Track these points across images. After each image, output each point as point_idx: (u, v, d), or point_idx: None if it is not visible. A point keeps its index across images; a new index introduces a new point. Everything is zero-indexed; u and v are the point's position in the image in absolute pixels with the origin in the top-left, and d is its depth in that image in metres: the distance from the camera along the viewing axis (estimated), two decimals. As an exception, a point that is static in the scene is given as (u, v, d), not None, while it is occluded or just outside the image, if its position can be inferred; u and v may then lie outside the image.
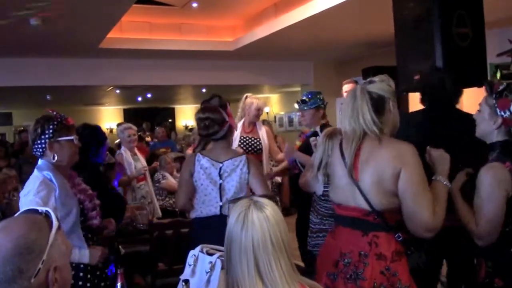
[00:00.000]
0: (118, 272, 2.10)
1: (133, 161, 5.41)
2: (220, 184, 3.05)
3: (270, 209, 1.66)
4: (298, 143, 4.45)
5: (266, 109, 14.01)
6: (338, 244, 2.22)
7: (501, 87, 2.24)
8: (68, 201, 2.50)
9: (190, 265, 2.26)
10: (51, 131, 2.52)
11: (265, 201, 1.70)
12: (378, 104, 2.18)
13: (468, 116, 3.34)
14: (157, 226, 4.13)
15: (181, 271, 2.34)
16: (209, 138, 3.16)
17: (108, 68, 8.91)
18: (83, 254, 2.55)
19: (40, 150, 2.53)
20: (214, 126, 3.06)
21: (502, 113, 2.22)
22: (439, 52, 3.51)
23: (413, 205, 2.05)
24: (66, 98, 12.55)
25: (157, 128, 10.64)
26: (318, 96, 4.33)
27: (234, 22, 8.65)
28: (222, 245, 1.74)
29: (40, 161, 2.57)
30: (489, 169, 2.20)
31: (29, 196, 2.40)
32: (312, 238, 3.45)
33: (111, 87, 11.00)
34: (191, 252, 2.31)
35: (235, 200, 1.78)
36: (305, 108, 4.28)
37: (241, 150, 4.34)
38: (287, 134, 12.28)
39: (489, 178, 2.18)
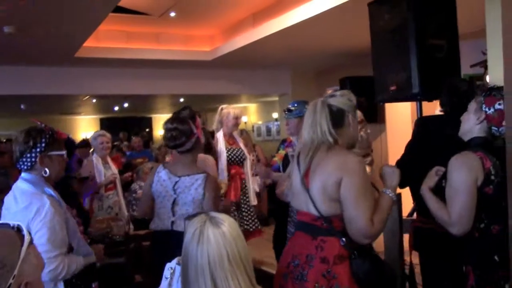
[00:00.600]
0: (93, 286, 2.06)
1: (104, 169, 5.33)
2: (174, 199, 2.97)
3: (227, 224, 1.64)
4: (282, 151, 4.43)
5: (244, 119, 14.03)
6: (291, 248, 2.35)
7: (489, 86, 2.38)
8: (71, 216, 2.47)
9: (166, 278, 2.23)
10: (43, 144, 2.42)
11: (222, 216, 1.68)
12: (336, 117, 2.30)
13: None
14: (133, 238, 4.08)
15: (158, 283, 2.30)
16: (175, 150, 3.08)
17: (84, 77, 8.81)
18: (91, 255, 2.53)
19: (29, 163, 2.42)
20: (181, 137, 2.98)
21: (487, 109, 2.29)
22: (414, 63, 3.56)
23: (352, 211, 2.15)
24: (41, 108, 12.37)
25: (133, 137, 10.54)
26: (304, 106, 4.30)
27: (212, 32, 8.65)
28: None
29: (25, 175, 2.45)
30: (459, 157, 2.26)
31: (48, 216, 2.28)
32: None
33: (87, 96, 10.88)
34: (168, 265, 2.27)
35: (191, 216, 1.74)
36: (290, 117, 4.27)
37: (211, 162, 4.28)
38: (265, 143, 12.30)
39: (458, 165, 2.24)
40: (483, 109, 2.31)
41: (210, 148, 4.53)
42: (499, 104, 2.24)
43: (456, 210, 2.20)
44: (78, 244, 2.46)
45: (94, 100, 11.88)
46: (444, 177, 2.33)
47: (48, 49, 7.08)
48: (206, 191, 2.94)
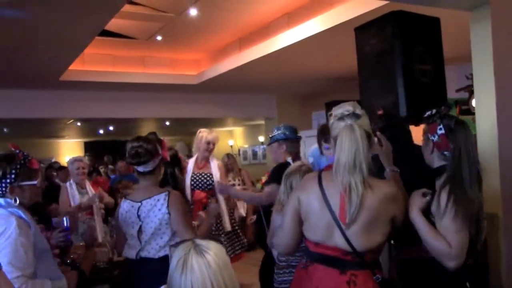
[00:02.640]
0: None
1: (79, 195, 5.22)
2: (140, 226, 2.86)
3: (212, 253, 1.59)
4: (264, 177, 4.40)
5: (230, 142, 14.01)
6: (314, 282, 2.18)
7: (428, 113, 2.33)
8: (41, 238, 2.40)
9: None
10: (13, 176, 2.35)
11: (208, 244, 1.63)
12: (368, 142, 2.15)
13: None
14: (117, 264, 3.98)
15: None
16: (138, 170, 2.96)
17: (69, 100, 8.75)
18: (62, 280, 2.44)
19: (0, 192, 2.38)
20: (146, 155, 2.88)
21: (432, 138, 2.29)
22: (401, 87, 3.58)
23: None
24: (25, 131, 12.22)
25: (119, 161, 10.43)
26: (282, 130, 4.25)
27: (198, 56, 8.68)
28: None
29: None
30: (451, 188, 2.21)
31: (12, 236, 2.22)
32: (279, 275, 3.36)
33: (72, 120, 10.79)
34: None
35: (177, 244, 1.70)
36: (270, 142, 4.25)
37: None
38: (251, 167, 12.26)
39: (452, 198, 2.17)
40: (430, 138, 2.31)
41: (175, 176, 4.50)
42: (440, 129, 2.25)
43: (459, 244, 2.11)
44: (48, 268, 2.37)
45: (79, 124, 11.79)
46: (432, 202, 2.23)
47: (33, 72, 7.02)
48: (170, 210, 2.83)
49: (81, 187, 5.31)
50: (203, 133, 4.94)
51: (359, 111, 2.19)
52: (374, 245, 2.13)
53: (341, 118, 2.17)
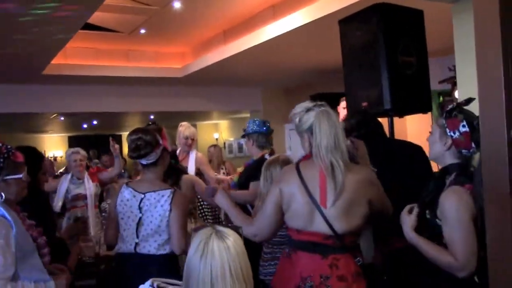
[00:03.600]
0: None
1: (73, 185, 5.27)
2: (140, 218, 2.79)
3: (232, 239, 1.61)
4: (239, 169, 4.41)
5: (215, 135, 13.99)
6: (297, 269, 2.23)
7: (450, 107, 2.18)
8: (25, 238, 2.32)
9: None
10: None
11: (228, 231, 1.65)
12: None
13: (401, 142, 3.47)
14: (104, 259, 3.97)
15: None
16: (140, 162, 2.90)
17: (52, 94, 8.65)
18: (49, 283, 2.38)
19: None
20: (146, 147, 2.80)
21: (452, 134, 2.14)
22: (385, 79, 3.61)
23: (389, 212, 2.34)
24: (7, 126, 12.07)
25: (103, 156, 10.37)
26: (250, 124, 4.20)
27: (182, 49, 8.63)
28: None
29: None
30: (451, 194, 2.09)
31: None
32: (264, 267, 3.38)
33: (55, 114, 10.68)
34: (141, 287, 2.21)
35: (197, 228, 1.72)
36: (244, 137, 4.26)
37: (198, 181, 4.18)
38: (237, 160, 12.25)
39: (454, 203, 2.06)
40: (448, 133, 2.15)
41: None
42: (463, 126, 2.10)
43: (464, 254, 2.00)
44: (30, 271, 2.27)
45: (62, 118, 11.68)
46: (426, 208, 2.19)
47: (15, 67, 6.93)
48: (173, 207, 2.78)
49: (78, 178, 5.35)
50: (181, 128, 4.99)
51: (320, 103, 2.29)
52: (354, 227, 2.20)
53: (309, 109, 2.26)
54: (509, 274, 1.47)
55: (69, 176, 5.39)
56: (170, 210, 2.77)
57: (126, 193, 2.86)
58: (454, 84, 5.65)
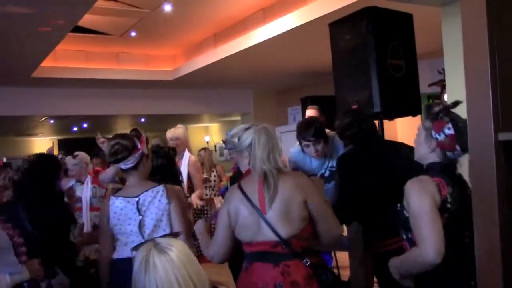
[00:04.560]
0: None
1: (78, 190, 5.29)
2: (140, 221, 2.80)
3: (175, 249, 1.58)
4: (228, 174, 4.41)
5: (206, 138, 13.98)
6: (253, 280, 2.29)
7: (436, 109, 2.18)
8: (2, 235, 2.35)
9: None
10: None
11: (169, 241, 1.62)
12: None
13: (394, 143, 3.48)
14: (94, 263, 3.94)
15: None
16: (120, 167, 2.91)
17: (41, 97, 8.61)
18: (23, 273, 2.41)
19: None
20: (123, 151, 2.82)
21: (437, 136, 2.15)
22: (375, 82, 3.63)
23: (327, 223, 2.35)
24: (-4, 129, 12.00)
25: (94, 158, 10.30)
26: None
27: (173, 52, 8.62)
28: None
29: None
30: (414, 182, 2.13)
31: None
32: None
33: (45, 117, 10.61)
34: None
35: (137, 246, 1.69)
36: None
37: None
38: (227, 163, 12.24)
39: (416, 190, 2.09)
40: (433, 136, 2.16)
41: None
42: (449, 128, 2.11)
43: (425, 236, 2.01)
44: (7, 264, 2.35)
45: (52, 121, 11.60)
46: (398, 201, 2.22)
47: (4, 69, 6.89)
48: (171, 200, 2.84)
49: (81, 182, 5.35)
50: (167, 131, 5.06)
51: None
52: (297, 231, 2.26)
53: (248, 128, 2.41)
54: (497, 275, 1.48)
55: (73, 181, 5.34)
56: (169, 202, 2.83)
57: (117, 203, 2.84)
58: (443, 87, 5.69)
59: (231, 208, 2.34)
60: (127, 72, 8.28)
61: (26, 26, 5.09)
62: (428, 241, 1.99)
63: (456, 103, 2.14)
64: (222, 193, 4.40)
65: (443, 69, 4.07)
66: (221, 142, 13.79)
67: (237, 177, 4.11)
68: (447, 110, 2.16)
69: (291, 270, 2.22)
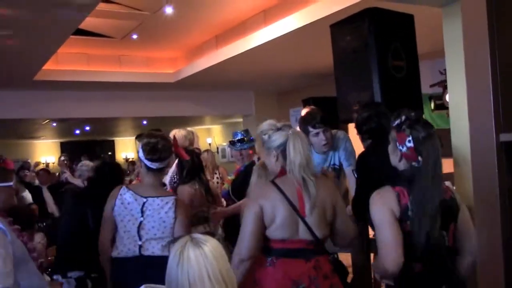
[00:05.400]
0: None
1: None
2: (140, 222, 2.79)
3: (209, 245, 1.65)
4: (230, 177, 4.41)
5: (208, 140, 13.98)
6: (285, 274, 2.41)
7: (397, 121, 2.20)
8: (18, 245, 2.32)
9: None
10: None
11: (204, 237, 1.70)
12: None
13: None
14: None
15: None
16: (150, 166, 2.87)
17: (43, 100, 8.63)
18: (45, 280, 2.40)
19: None
20: (166, 151, 2.83)
21: (401, 147, 2.18)
22: (376, 83, 3.62)
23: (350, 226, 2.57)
24: (-1, 132, 12.02)
25: (94, 161, 10.31)
26: (250, 134, 4.34)
27: (174, 54, 8.63)
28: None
29: None
30: (374, 194, 2.21)
31: None
32: None
33: (47, 120, 10.63)
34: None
35: (175, 239, 1.75)
36: (245, 147, 4.26)
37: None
38: (230, 165, 12.25)
39: (375, 202, 2.17)
40: (398, 147, 2.20)
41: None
42: (409, 141, 2.13)
43: (382, 247, 2.11)
44: (29, 277, 2.30)
45: (54, 124, 11.62)
46: None
47: (6, 73, 6.90)
48: (178, 215, 2.80)
49: None
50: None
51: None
52: (328, 232, 2.49)
53: (279, 129, 2.49)
54: (499, 275, 1.48)
55: None
56: (175, 218, 2.80)
57: (127, 196, 2.84)
58: (445, 88, 5.67)
59: (268, 205, 2.41)
60: (129, 74, 8.29)
61: (28, 29, 5.10)
62: (385, 253, 2.10)
63: (418, 115, 2.20)
64: (225, 196, 4.39)
65: (445, 70, 4.05)
66: (223, 144, 13.80)
67: (240, 180, 4.11)
68: (409, 122, 2.17)
69: (321, 264, 2.43)
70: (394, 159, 2.26)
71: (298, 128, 2.62)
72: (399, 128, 2.19)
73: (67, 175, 7.61)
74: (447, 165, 3.41)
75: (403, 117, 2.19)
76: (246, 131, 4.34)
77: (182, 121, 11.05)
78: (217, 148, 13.75)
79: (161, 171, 2.93)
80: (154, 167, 2.86)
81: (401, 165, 2.23)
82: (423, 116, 3.98)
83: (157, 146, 2.82)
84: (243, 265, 2.37)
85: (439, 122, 6.32)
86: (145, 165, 2.88)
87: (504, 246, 1.45)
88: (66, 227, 3.70)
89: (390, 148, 2.27)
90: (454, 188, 4.12)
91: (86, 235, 3.31)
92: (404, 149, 2.17)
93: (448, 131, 4.08)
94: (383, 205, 2.14)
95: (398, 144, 2.20)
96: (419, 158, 2.14)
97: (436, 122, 6.31)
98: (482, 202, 1.51)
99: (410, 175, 2.18)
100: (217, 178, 8.79)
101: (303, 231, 2.41)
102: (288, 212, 2.40)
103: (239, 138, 4.23)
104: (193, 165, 3.80)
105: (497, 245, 1.46)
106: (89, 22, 5.79)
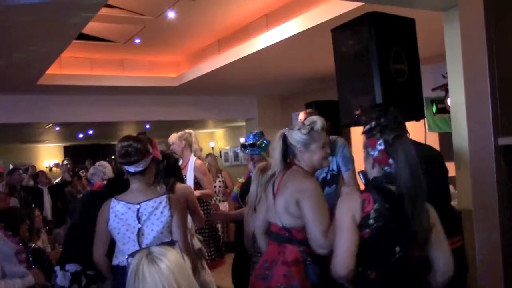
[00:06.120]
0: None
1: None
2: (139, 229, 2.77)
3: (165, 259, 1.63)
4: (241, 180, 4.36)
5: (211, 144, 14.00)
6: (265, 253, 2.76)
7: (367, 127, 2.22)
8: (4, 243, 2.38)
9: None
10: None
11: (161, 250, 1.66)
12: (289, 149, 2.75)
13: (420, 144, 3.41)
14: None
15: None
16: (128, 170, 2.87)
17: (47, 104, 8.66)
18: (29, 279, 2.45)
19: None
20: (136, 154, 2.79)
21: (372, 153, 2.19)
22: (378, 87, 3.62)
23: (309, 227, 2.54)
24: (3, 136, 12.04)
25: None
26: (264, 137, 4.18)
27: (177, 58, 8.66)
28: None
29: None
30: (342, 197, 2.31)
31: None
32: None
33: (51, 124, 10.66)
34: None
35: (133, 253, 1.72)
36: (256, 152, 4.11)
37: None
38: (233, 168, 12.26)
39: (340, 206, 2.20)
40: (370, 153, 2.21)
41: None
42: (380, 144, 2.15)
43: (335, 251, 2.15)
44: (13, 268, 2.41)
45: (58, 128, 11.65)
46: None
47: (9, 77, 6.93)
48: (173, 212, 2.80)
49: None
50: None
51: (296, 126, 2.82)
52: (295, 225, 2.60)
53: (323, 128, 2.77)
54: (498, 277, 1.49)
55: None
56: (171, 216, 2.79)
57: (118, 207, 2.82)
58: (447, 91, 5.68)
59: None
60: (132, 78, 8.32)
61: (31, 34, 5.13)
62: (337, 257, 2.14)
63: (388, 123, 2.19)
64: (234, 199, 4.37)
65: (447, 73, 4.07)
66: (226, 147, 13.81)
67: (248, 184, 4.05)
68: (380, 127, 2.18)
69: (286, 251, 2.59)
70: (367, 167, 2.27)
71: None
72: (370, 134, 2.21)
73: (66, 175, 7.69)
74: (450, 169, 3.42)
75: (373, 123, 2.20)
76: (259, 134, 4.15)
77: (185, 125, 11.00)
78: (220, 152, 13.76)
79: (143, 174, 2.88)
80: (132, 171, 2.85)
81: (375, 172, 2.23)
82: (425, 119, 4.02)
83: (128, 150, 2.81)
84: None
85: (441, 126, 6.31)
86: (125, 170, 2.89)
87: (503, 248, 1.46)
88: (75, 225, 3.77)
89: (364, 155, 2.28)
90: (456, 191, 4.12)
91: (93, 233, 3.32)
92: (376, 153, 2.17)
93: (450, 135, 4.09)
94: (347, 210, 2.15)
95: (370, 150, 2.21)
96: (390, 161, 2.13)
97: (438, 126, 6.31)
98: (481, 205, 1.52)
99: (381, 182, 2.18)
100: (219, 182, 8.82)
101: (276, 216, 2.66)
102: (271, 197, 2.73)
103: (251, 142, 4.08)
104: (167, 167, 3.84)
105: (496, 247, 1.46)
106: (92, 27, 5.82)
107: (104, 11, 5.28)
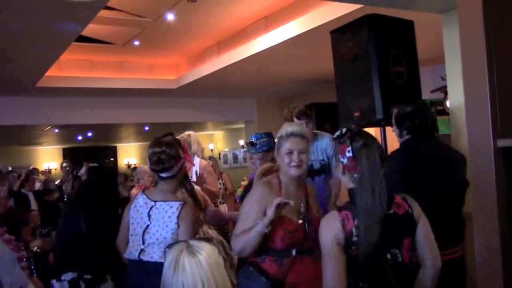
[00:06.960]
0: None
1: None
2: (147, 226, 2.79)
3: (205, 253, 1.63)
4: (244, 182, 4.33)
5: (210, 146, 14.00)
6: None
7: (337, 133, 2.20)
8: (5, 250, 2.35)
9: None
10: None
11: (200, 244, 1.67)
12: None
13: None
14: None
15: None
16: (159, 175, 2.88)
17: (46, 106, 8.65)
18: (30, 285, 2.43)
19: None
20: (170, 161, 2.79)
21: (342, 159, 2.17)
22: (377, 89, 3.63)
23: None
24: (1, 138, 12.03)
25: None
26: (268, 138, 4.14)
27: (176, 60, 8.66)
28: None
29: None
30: (324, 219, 2.20)
31: None
32: None
33: (50, 126, 10.66)
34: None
35: (171, 244, 1.73)
36: (253, 151, 4.08)
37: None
38: (232, 170, 12.26)
39: (322, 229, 2.15)
40: (340, 160, 2.18)
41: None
42: (348, 151, 2.13)
43: (324, 275, 2.08)
44: (16, 277, 2.34)
45: (57, 130, 11.65)
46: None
47: (9, 79, 6.93)
48: (180, 222, 2.75)
49: None
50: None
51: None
52: None
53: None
54: (498, 280, 1.49)
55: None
56: (178, 224, 2.75)
57: (140, 199, 2.87)
58: (446, 93, 5.68)
59: None
60: (131, 81, 8.32)
61: (31, 36, 5.13)
62: (326, 281, 2.05)
63: (360, 130, 2.20)
64: (239, 201, 4.33)
65: (446, 75, 4.08)
66: (225, 150, 13.81)
67: (250, 186, 4.04)
68: (350, 133, 2.17)
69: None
70: (339, 173, 2.24)
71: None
72: (341, 140, 2.19)
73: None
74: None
75: (344, 130, 2.18)
76: (263, 134, 4.02)
77: (184, 127, 11.03)
78: (219, 154, 13.76)
79: (173, 178, 2.88)
80: (164, 176, 2.85)
81: (345, 179, 2.20)
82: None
83: (161, 157, 2.80)
84: None
85: (441, 128, 6.29)
86: (156, 174, 2.90)
87: (503, 250, 1.46)
88: (60, 232, 3.76)
89: (335, 162, 2.30)
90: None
91: (79, 238, 3.40)
92: (345, 160, 2.15)
93: (449, 137, 4.09)
94: (328, 235, 2.09)
95: (340, 157, 2.19)
96: (359, 168, 2.11)
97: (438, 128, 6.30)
98: (481, 207, 1.52)
99: (351, 189, 2.16)
100: (219, 184, 8.78)
101: None
102: None
103: (251, 141, 3.98)
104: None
105: (495, 249, 1.46)
106: (91, 29, 5.82)
107: (103, 13, 5.28)
